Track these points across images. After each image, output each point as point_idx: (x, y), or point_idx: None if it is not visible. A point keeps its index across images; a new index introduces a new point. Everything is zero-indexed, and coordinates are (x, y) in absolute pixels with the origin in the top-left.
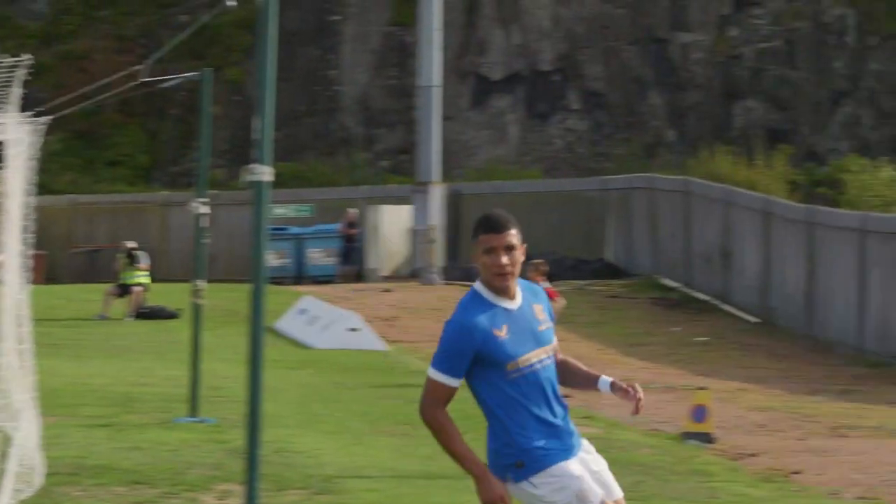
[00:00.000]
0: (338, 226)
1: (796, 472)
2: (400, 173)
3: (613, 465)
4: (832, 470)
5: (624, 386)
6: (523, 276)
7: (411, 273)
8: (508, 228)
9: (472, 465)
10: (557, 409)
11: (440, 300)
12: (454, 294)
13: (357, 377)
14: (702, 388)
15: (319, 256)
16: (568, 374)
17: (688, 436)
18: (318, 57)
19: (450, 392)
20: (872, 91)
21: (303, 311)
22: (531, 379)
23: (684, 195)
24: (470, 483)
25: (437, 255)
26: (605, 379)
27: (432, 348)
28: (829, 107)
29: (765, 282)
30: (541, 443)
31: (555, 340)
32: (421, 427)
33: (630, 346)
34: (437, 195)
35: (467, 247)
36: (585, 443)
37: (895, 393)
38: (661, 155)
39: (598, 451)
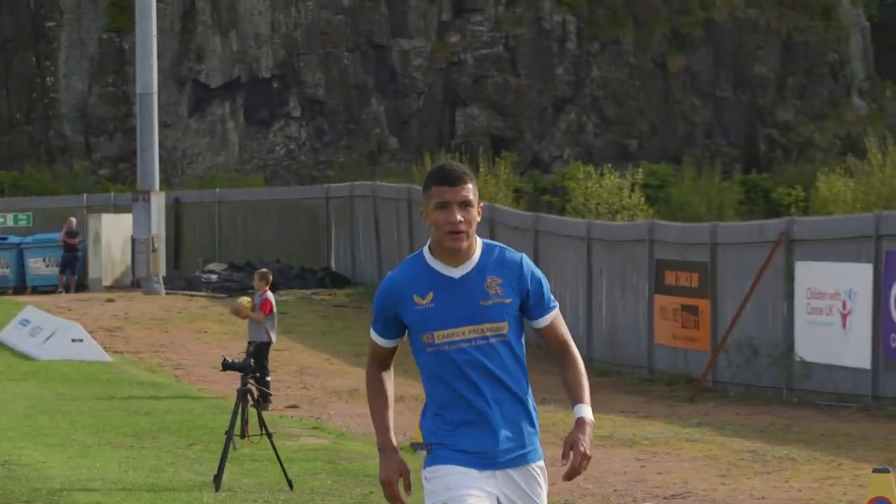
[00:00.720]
0: (58, 235)
1: None
2: (120, 182)
3: (342, 477)
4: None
5: (573, 438)
6: (286, 278)
7: (133, 283)
8: (465, 181)
9: (379, 437)
10: (485, 403)
11: (163, 310)
12: (177, 304)
13: (81, 388)
14: None
15: (40, 266)
16: (563, 381)
17: (417, 446)
18: (34, 63)
19: (383, 351)
20: (595, 98)
21: (24, 322)
22: (452, 358)
23: (408, 203)
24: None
25: (160, 265)
26: (580, 408)
27: (156, 358)
28: (553, 113)
29: None
30: (444, 434)
31: (508, 320)
32: (147, 439)
33: (357, 356)
34: (157, 204)
35: (189, 255)
36: (533, 476)
37: (625, 402)
38: (384, 162)
39: (326, 461)
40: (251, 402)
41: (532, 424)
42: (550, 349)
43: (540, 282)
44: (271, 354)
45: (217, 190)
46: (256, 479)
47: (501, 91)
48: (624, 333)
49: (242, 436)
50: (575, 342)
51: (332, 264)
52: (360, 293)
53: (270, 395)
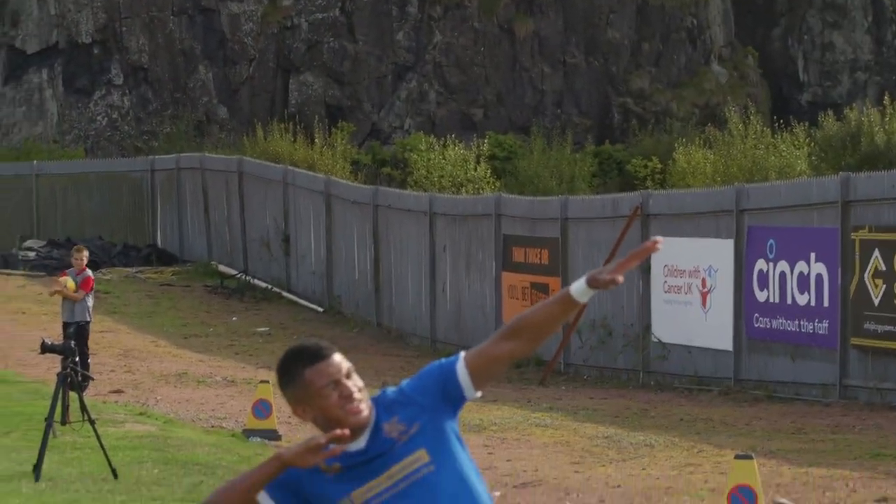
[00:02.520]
0: None
1: None
2: None
3: (170, 466)
4: None
5: (606, 272)
6: (109, 255)
7: None
8: (332, 351)
9: (258, 472)
10: None
11: None
12: None
13: None
14: (264, 382)
15: None
16: (532, 325)
17: (250, 432)
18: None
19: None
20: (438, 65)
21: None
22: None
23: (238, 176)
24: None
25: None
26: (578, 285)
27: None
28: (393, 81)
29: (329, 268)
30: None
31: (425, 448)
32: None
33: (185, 337)
34: None
35: (5, 232)
36: None
37: None
38: (213, 133)
39: (153, 449)
40: (72, 387)
41: None
42: (517, 353)
43: (423, 374)
44: (92, 336)
45: (35, 162)
46: (79, 469)
47: (338, 57)
48: (470, 313)
49: (63, 422)
50: (417, 320)
51: (159, 241)
52: (188, 271)
53: (91, 377)
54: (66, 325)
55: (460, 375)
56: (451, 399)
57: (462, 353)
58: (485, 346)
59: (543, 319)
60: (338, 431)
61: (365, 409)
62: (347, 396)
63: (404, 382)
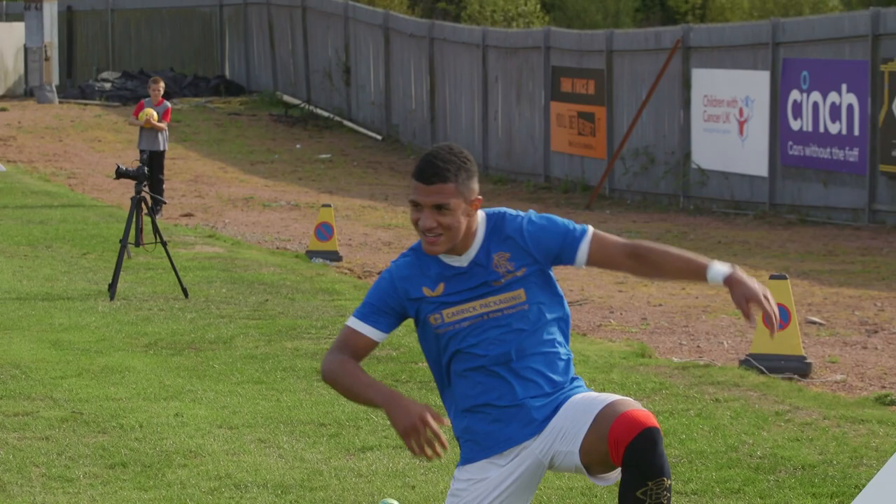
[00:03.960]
0: None
1: None
2: None
3: (237, 285)
4: None
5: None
6: (179, 86)
7: (27, 91)
8: (441, 180)
9: (377, 394)
10: (510, 384)
11: (56, 119)
12: (71, 113)
13: None
14: (326, 206)
15: None
16: (657, 265)
17: (313, 254)
18: None
19: (362, 342)
20: None
21: None
22: (464, 335)
23: (302, 10)
24: None
25: (53, 73)
26: (718, 269)
27: (50, 167)
28: None
29: (387, 98)
30: (469, 425)
31: (524, 288)
32: (41, 248)
33: (252, 164)
34: (50, 12)
35: (83, 64)
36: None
37: (521, 209)
38: None
39: (221, 269)
40: (145, 211)
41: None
42: (631, 271)
43: (547, 229)
44: (165, 163)
45: None
46: (151, 288)
47: None
48: (520, 141)
49: (137, 244)
50: (470, 148)
51: (227, 72)
52: (254, 101)
53: (164, 202)
54: (141, 153)
55: (580, 251)
56: (562, 260)
57: (590, 231)
58: (612, 246)
59: (669, 269)
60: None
61: (437, 245)
62: (421, 227)
63: (526, 221)
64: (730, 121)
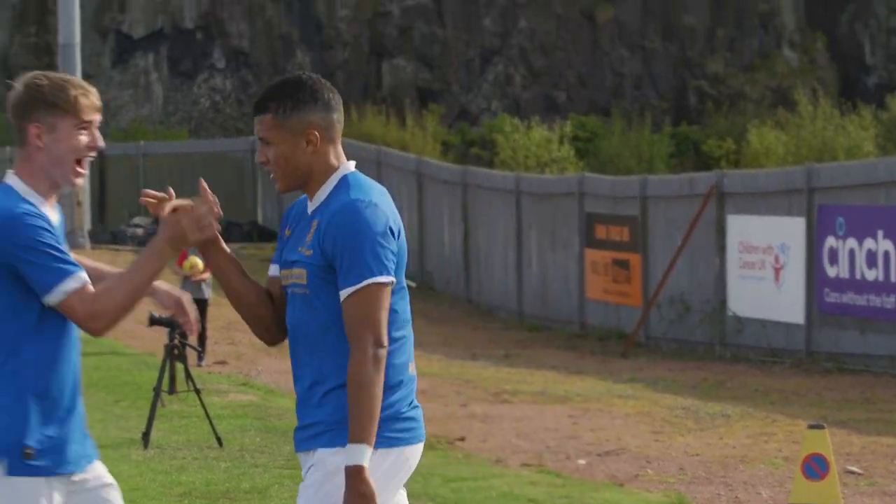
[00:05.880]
0: None
1: (460, 439)
2: None
3: (271, 434)
4: (496, 436)
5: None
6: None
7: None
8: (261, 110)
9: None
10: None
11: None
12: (103, 259)
13: None
14: None
15: None
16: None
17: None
18: None
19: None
20: (522, 49)
21: None
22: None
23: None
24: None
25: (84, 218)
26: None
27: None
28: (480, 65)
29: (420, 245)
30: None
31: (306, 270)
32: None
33: None
34: None
35: (114, 210)
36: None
37: (556, 357)
38: None
39: (256, 418)
40: (177, 358)
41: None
42: None
43: (347, 241)
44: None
45: (141, 143)
46: (185, 436)
47: (428, 42)
48: (555, 288)
49: (170, 392)
50: (504, 296)
51: (259, 218)
52: None
53: (200, 351)
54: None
55: (340, 292)
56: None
57: (356, 287)
58: (350, 318)
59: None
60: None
61: (279, 181)
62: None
63: (341, 210)
64: (765, 268)
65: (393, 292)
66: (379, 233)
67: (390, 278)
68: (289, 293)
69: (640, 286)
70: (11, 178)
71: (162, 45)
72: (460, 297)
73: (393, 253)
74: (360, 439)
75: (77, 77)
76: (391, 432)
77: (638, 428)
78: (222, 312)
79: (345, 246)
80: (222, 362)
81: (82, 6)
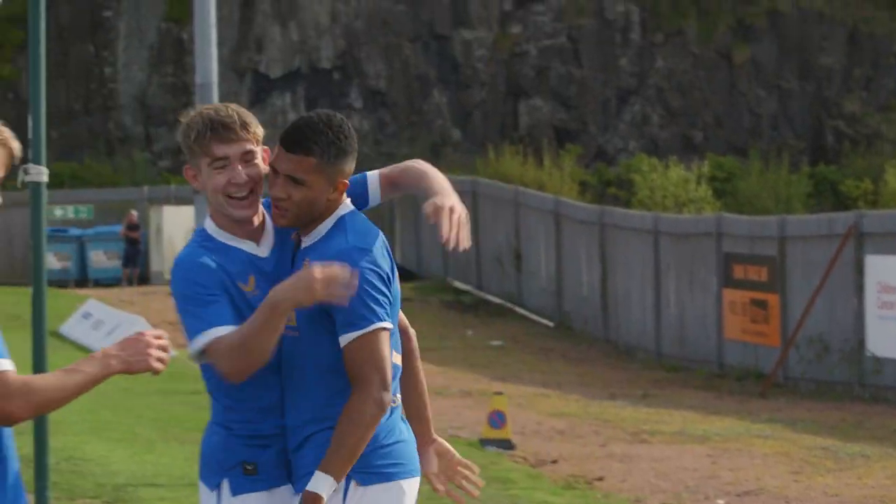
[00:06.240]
0: (119, 228)
1: (598, 479)
2: (181, 173)
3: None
4: (634, 476)
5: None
6: None
7: None
8: (307, 152)
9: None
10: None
11: None
12: None
13: (146, 383)
14: (498, 393)
15: (102, 259)
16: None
17: (486, 442)
18: (92, 53)
19: None
20: (659, 89)
21: (87, 316)
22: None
23: (472, 196)
24: None
25: None
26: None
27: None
28: (617, 105)
29: (558, 284)
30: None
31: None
32: None
33: (423, 350)
34: None
35: None
36: None
37: (694, 397)
38: (448, 155)
39: None
40: None
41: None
42: None
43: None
44: None
45: None
46: None
47: (565, 82)
48: (693, 328)
49: None
50: (642, 336)
51: (398, 258)
52: (425, 287)
53: None
54: None
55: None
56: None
57: (359, 333)
58: (354, 364)
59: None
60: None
61: (287, 219)
62: (274, 197)
63: (349, 251)
64: None
65: None
66: (379, 279)
67: (391, 324)
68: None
69: (778, 326)
70: (207, 220)
71: (299, 84)
72: (598, 337)
73: (388, 299)
74: (331, 472)
75: (226, 108)
76: (388, 467)
77: (777, 468)
78: None
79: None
80: None
81: (219, 46)
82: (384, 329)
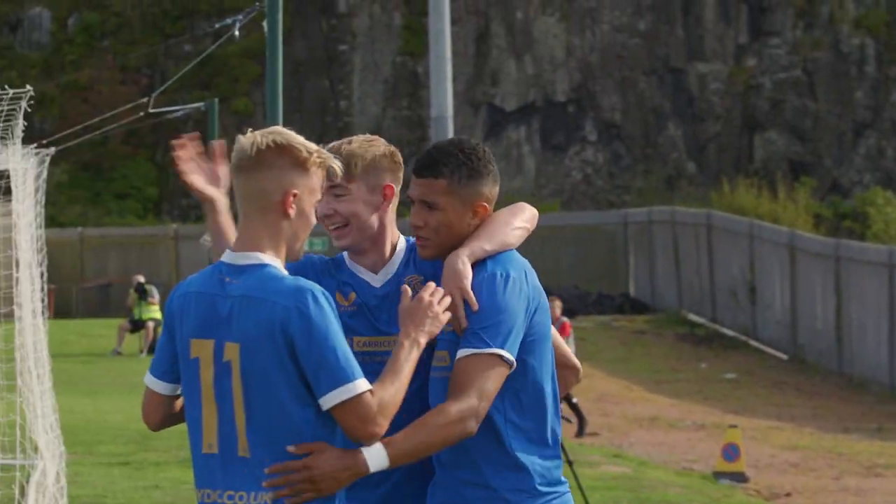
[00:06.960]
0: None
1: None
2: None
3: None
4: None
5: None
6: (584, 303)
7: None
8: (437, 174)
9: None
10: None
11: None
12: None
13: None
14: (732, 426)
15: None
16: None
17: (720, 475)
18: (327, 87)
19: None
20: (895, 122)
21: None
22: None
23: (707, 229)
24: None
25: None
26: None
27: None
28: (852, 138)
29: (793, 317)
30: None
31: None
32: None
33: (657, 382)
34: None
35: None
36: None
37: None
38: (682, 188)
39: (628, 489)
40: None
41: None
42: None
43: (490, 314)
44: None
45: None
46: None
47: (800, 115)
48: None
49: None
50: (877, 369)
51: (631, 290)
52: (659, 319)
53: (569, 420)
54: None
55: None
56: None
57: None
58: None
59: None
60: None
61: (427, 248)
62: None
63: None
64: None
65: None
66: (522, 309)
67: (511, 357)
68: (431, 378)
69: None
70: None
71: (534, 117)
72: (832, 369)
73: (517, 329)
74: (391, 454)
75: (340, 147)
76: None
77: None
78: (595, 384)
79: (485, 317)
80: (594, 434)
81: (455, 79)
82: (500, 357)
